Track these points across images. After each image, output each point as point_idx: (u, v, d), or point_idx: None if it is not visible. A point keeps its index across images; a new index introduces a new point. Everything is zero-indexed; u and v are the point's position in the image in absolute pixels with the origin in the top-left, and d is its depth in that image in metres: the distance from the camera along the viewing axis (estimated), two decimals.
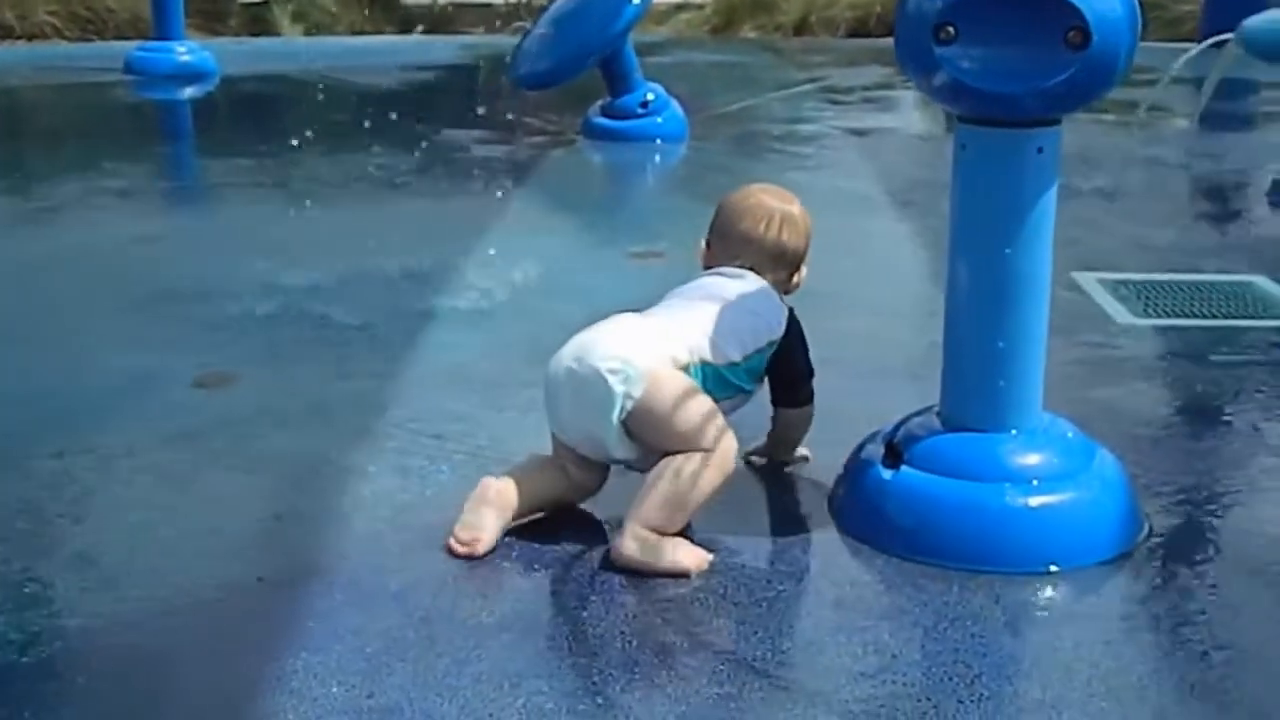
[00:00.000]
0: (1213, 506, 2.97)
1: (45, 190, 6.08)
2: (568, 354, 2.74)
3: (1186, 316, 4.16)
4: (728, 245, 2.99)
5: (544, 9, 7.37)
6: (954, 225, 2.73)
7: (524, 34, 7.24)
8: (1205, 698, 2.25)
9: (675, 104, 6.95)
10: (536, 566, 2.63)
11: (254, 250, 4.91)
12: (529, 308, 4.24)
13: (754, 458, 3.05)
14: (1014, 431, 2.72)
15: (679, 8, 11.93)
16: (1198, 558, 2.71)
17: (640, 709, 2.18)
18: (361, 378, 3.67)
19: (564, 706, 2.18)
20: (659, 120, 6.89)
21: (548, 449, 2.86)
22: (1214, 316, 4.17)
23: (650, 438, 2.68)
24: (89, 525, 2.83)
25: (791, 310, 2.93)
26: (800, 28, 11.27)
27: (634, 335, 2.73)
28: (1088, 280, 4.44)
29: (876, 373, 3.60)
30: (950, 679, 2.27)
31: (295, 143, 6.76)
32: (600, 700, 2.20)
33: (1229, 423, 3.43)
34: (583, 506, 2.85)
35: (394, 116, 7.27)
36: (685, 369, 2.72)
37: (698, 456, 2.64)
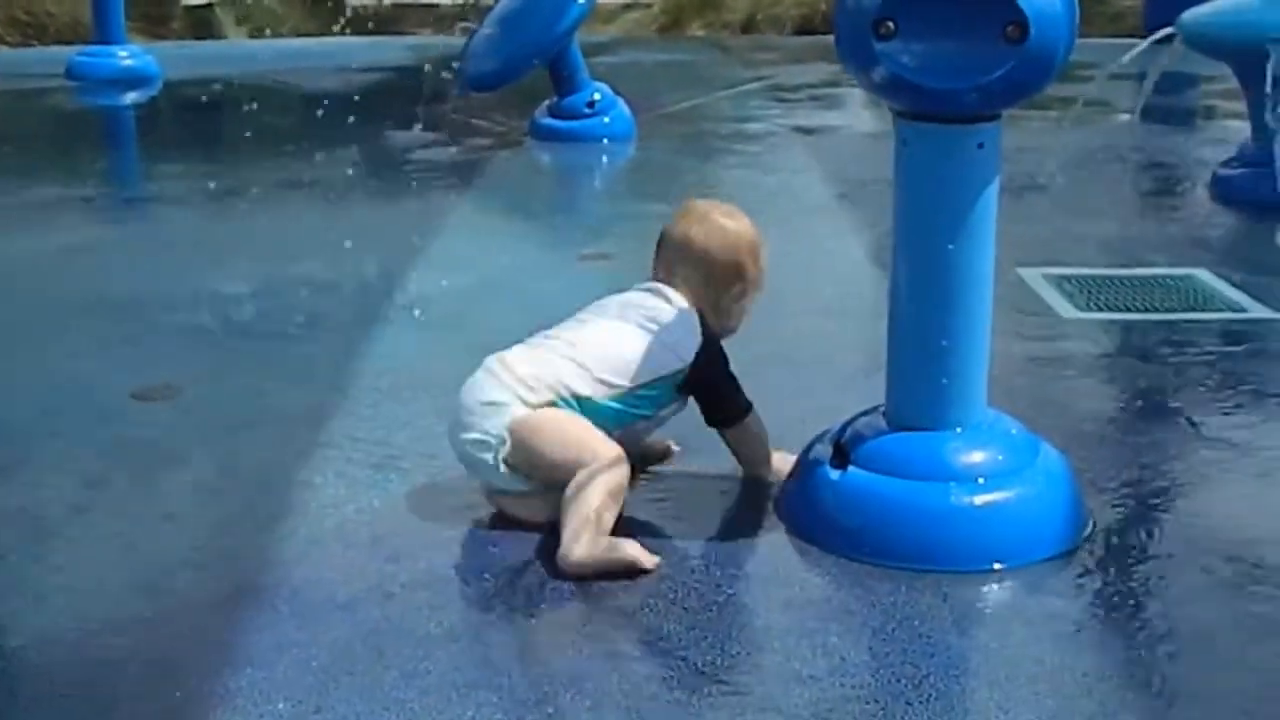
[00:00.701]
0: (1156, 501, 2.99)
1: None
2: (452, 421, 2.83)
3: (1130, 311, 4.19)
4: (661, 252, 2.99)
5: (490, 9, 7.35)
6: (896, 223, 2.73)
7: (470, 35, 7.21)
8: (1152, 692, 2.27)
9: (622, 103, 6.94)
10: (485, 575, 2.62)
11: (196, 258, 4.87)
12: (476, 312, 4.22)
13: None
14: (959, 429, 2.73)
15: (626, 7, 11.93)
16: (1142, 552, 2.73)
17: (590, 718, 2.17)
18: (305, 386, 3.64)
19: (514, 717, 2.17)
20: (606, 120, 6.88)
21: None
22: (1157, 310, 4.20)
23: (536, 474, 2.74)
24: (25, 541, 2.80)
25: (708, 334, 2.87)
26: (747, 25, 11.28)
27: (491, 389, 2.78)
28: (1032, 275, 4.46)
29: (825, 372, 3.61)
30: (898, 680, 2.27)
31: (239, 147, 6.72)
32: (550, 710, 2.19)
33: (1171, 416, 3.46)
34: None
35: (339, 119, 7.23)
36: (552, 404, 2.76)
37: (582, 474, 2.65)
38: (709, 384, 2.87)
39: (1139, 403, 3.58)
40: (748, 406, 2.92)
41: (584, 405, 2.77)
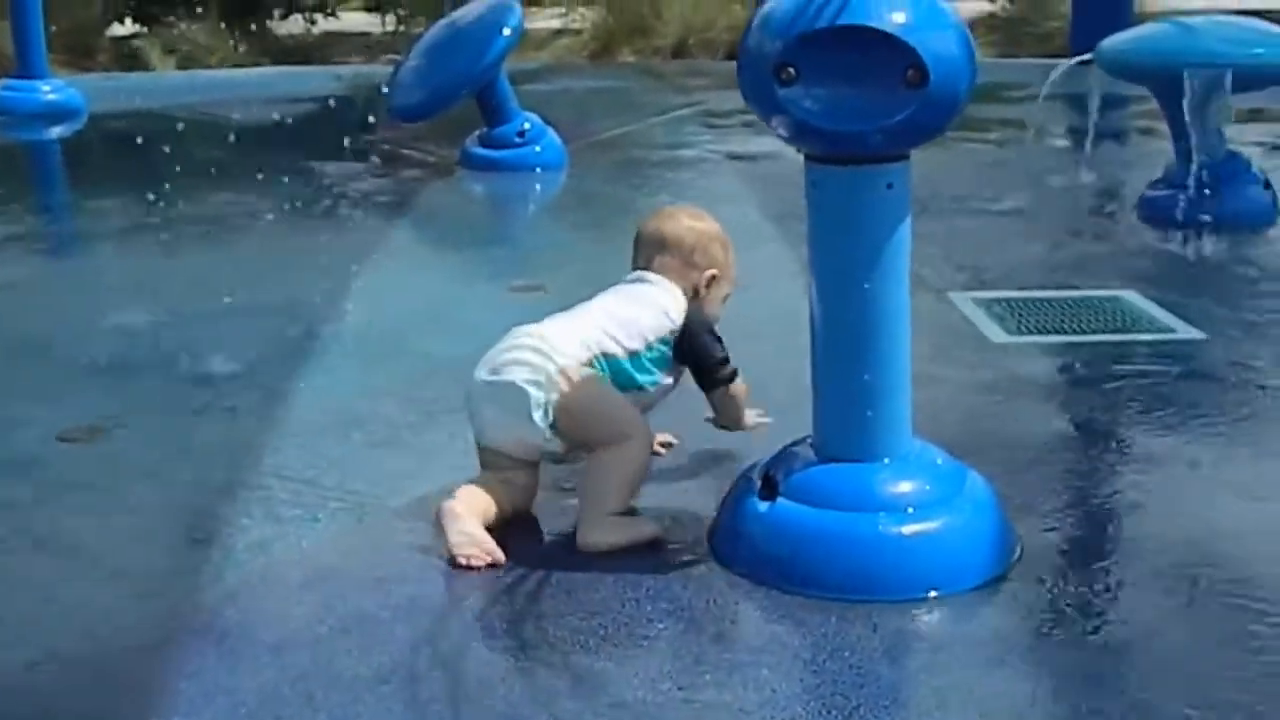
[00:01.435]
0: (1085, 523, 3.02)
1: None
2: (484, 368, 2.96)
3: (1059, 333, 4.23)
4: (638, 249, 3.23)
5: (418, 39, 7.34)
6: (812, 262, 2.75)
7: (398, 65, 7.20)
8: (1083, 715, 2.27)
9: (552, 132, 6.94)
10: (415, 614, 2.60)
11: (122, 294, 4.82)
12: (407, 346, 4.20)
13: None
14: (886, 460, 2.74)
15: (557, 33, 11.92)
16: (1070, 577, 2.75)
17: None
18: (234, 424, 3.61)
19: None
20: (537, 149, 6.89)
21: (430, 489, 2.94)
22: (1085, 332, 4.24)
23: (575, 432, 2.91)
24: None
25: (692, 303, 3.12)
26: (679, 51, 11.31)
27: (543, 342, 2.95)
28: (962, 299, 4.49)
29: (756, 400, 3.60)
30: (829, 712, 2.27)
31: (166, 181, 6.66)
32: None
33: (1101, 438, 3.49)
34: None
35: (268, 150, 7.21)
36: (590, 364, 2.94)
37: (625, 442, 2.86)
38: (694, 346, 3.08)
39: (1068, 425, 3.61)
40: (730, 377, 3.12)
41: (611, 364, 2.97)
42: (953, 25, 2.57)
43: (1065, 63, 6.02)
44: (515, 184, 6.67)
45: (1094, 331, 4.24)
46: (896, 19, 2.48)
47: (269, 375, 3.96)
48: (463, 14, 7.07)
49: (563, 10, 12.12)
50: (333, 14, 12.77)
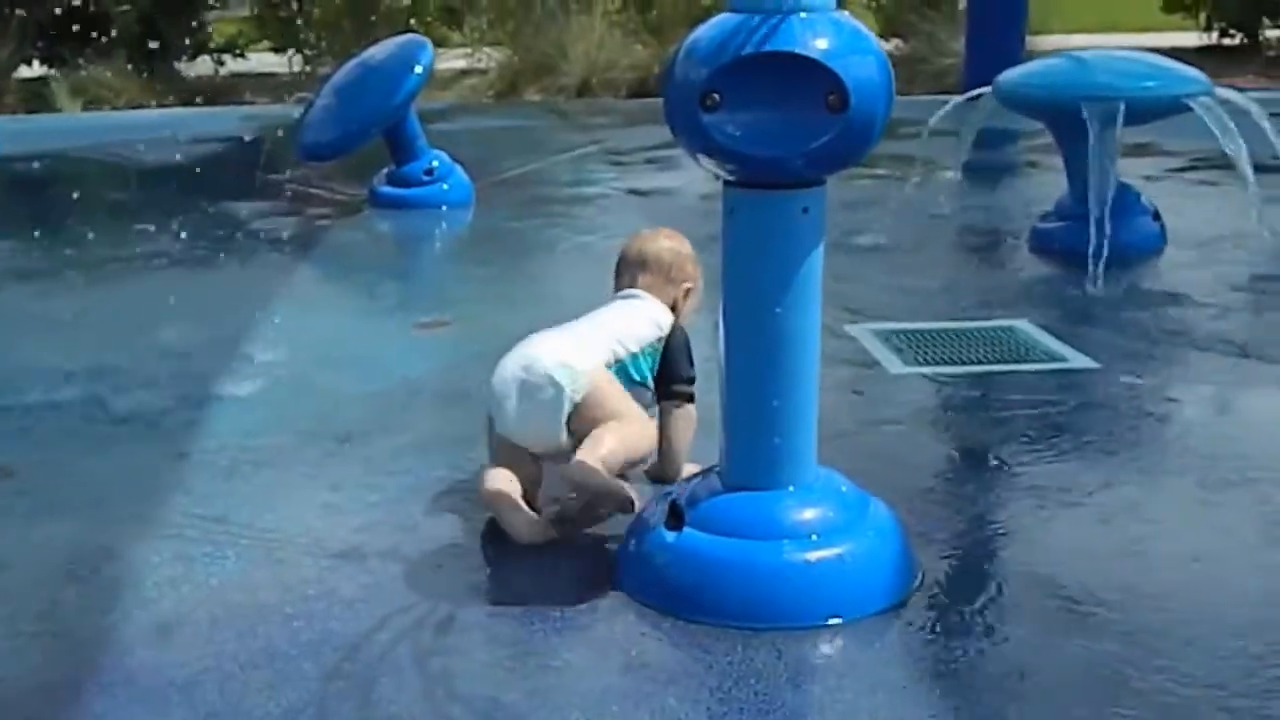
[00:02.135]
0: (984, 550, 3.10)
1: None
2: (515, 364, 3.21)
3: (956, 363, 4.31)
4: (621, 269, 3.51)
5: (327, 79, 7.34)
6: (725, 288, 2.81)
7: (307, 105, 7.19)
8: None
9: (460, 170, 6.97)
10: (323, 651, 2.62)
11: (27, 336, 4.79)
12: (313, 384, 4.21)
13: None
14: (791, 488, 2.80)
15: (463, 74, 11.94)
16: (971, 601, 2.82)
17: None
18: (141, 464, 3.60)
19: None
20: (444, 187, 6.90)
21: (339, 527, 3.04)
22: (981, 362, 4.33)
23: (585, 427, 3.12)
24: None
25: (676, 319, 3.38)
26: (583, 89, 11.37)
27: (567, 344, 3.23)
28: (861, 332, 4.58)
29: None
30: None
31: (74, 223, 6.61)
32: None
33: (998, 466, 3.57)
34: (362, 594, 2.84)
35: (176, 191, 7.17)
36: (608, 366, 3.22)
37: (632, 423, 3.14)
38: (669, 360, 3.31)
39: (967, 454, 3.69)
40: (689, 395, 3.30)
41: (617, 368, 3.24)
42: (873, 52, 2.64)
43: (957, 98, 6.15)
44: (422, 222, 6.68)
45: (989, 361, 4.33)
46: (819, 45, 2.55)
47: (176, 415, 3.95)
48: (373, 53, 7.08)
49: (469, 50, 12.15)
50: (241, 55, 12.70)
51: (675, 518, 2.82)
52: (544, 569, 2.96)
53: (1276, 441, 3.69)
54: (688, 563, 2.76)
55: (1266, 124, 5.49)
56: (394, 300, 5.43)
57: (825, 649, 2.65)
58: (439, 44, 9.74)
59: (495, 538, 3.08)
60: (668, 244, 3.52)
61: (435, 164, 6.91)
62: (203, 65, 12.40)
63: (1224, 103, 5.37)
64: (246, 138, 8.84)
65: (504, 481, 3.13)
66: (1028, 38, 10.05)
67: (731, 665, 2.55)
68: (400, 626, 2.70)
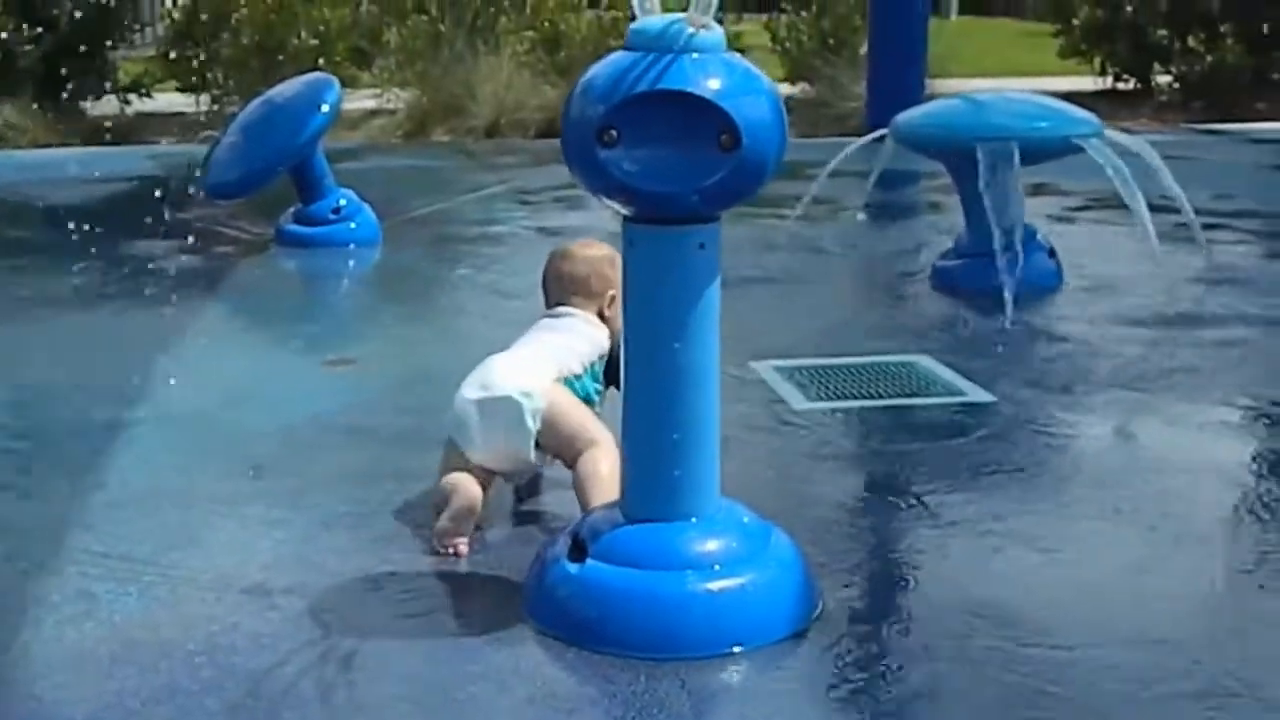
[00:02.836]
0: (884, 579, 3.16)
1: None
2: (472, 387, 3.26)
3: (858, 398, 4.38)
4: (547, 288, 3.59)
5: (233, 117, 7.31)
6: (626, 322, 2.85)
7: (214, 143, 7.16)
8: None
9: (368, 209, 6.97)
10: (226, 686, 2.61)
11: None
12: (218, 421, 4.19)
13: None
14: (693, 519, 2.83)
15: (372, 114, 11.92)
16: (872, 629, 2.87)
17: None
18: (43, 502, 3.57)
19: None
20: (352, 226, 6.89)
21: (245, 563, 3.07)
22: (883, 396, 4.40)
23: (552, 442, 3.24)
24: None
25: (610, 330, 3.45)
26: (491, 130, 11.39)
27: (521, 363, 3.31)
28: (764, 368, 4.63)
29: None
30: None
31: None
32: None
33: (898, 497, 3.63)
34: (266, 629, 2.85)
35: (80, 230, 7.10)
36: (560, 382, 3.29)
37: (598, 453, 3.17)
38: (618, 373, 3.27)
39: (868, 486, 3.75)
40: None
41: (568, 383, 3.32)
42: (765, 92, 2.70)
43: (859, 140, 6.25)
44: (329, 260, 6.67)
45: (890, 396, 4.41)
46: (711, 85, 2.61)
47: (78, 453, 3.91)
48: (279, 91, 7.06)
49: (378, 91, 12.14)
50: (147, 94, 12.59)
51: (578, 550, 2.85)
52: (451, 602, 2.98)
53: (1166, 473, 3.79)
54: (591, 594, 2.79)
55: (1158, 162, 5.65)
56: (301, 338, 5.42)
57: (728, 678, 2.69)
58: (348, 84, 9.74)
59: (402, 572, 3.09)
60: (582, 253, 3.59)
61: (343, 202, 6.90)
62: (109, 105, 12.28)
63: (1114, 144, 5.52)
64: (153, 176, 8.78)
65: (466, 479, 3.19)
66: (928, 81, 10.23)
67: (635, 695, 2.58)
68: (304, 661, 2.70)
